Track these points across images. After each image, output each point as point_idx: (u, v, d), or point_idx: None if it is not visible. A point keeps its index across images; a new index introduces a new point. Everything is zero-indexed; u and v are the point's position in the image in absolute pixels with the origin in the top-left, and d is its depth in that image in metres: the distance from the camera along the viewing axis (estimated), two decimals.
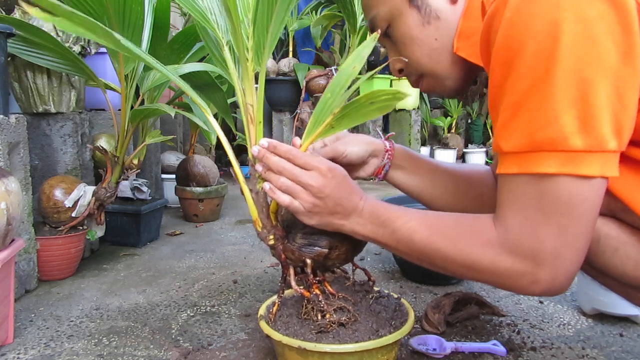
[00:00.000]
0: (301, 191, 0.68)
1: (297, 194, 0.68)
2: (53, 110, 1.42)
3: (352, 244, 0.79)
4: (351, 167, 0.87)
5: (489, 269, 0.60)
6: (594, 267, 0.64)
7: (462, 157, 3.67)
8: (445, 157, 3.33)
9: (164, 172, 2.29)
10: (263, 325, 0.80)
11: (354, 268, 0.89)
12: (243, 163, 2.73)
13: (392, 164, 0.92)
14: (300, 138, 0.76)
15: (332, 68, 2.74)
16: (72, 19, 0.58)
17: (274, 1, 0.68)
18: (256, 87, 0.77)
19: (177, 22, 2.69)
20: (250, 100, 0.77)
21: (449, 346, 0.94)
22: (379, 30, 0.70)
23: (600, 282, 0.68)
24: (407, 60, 0.75)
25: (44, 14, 0.53)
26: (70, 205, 1.34)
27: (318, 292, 0.79)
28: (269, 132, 3.24)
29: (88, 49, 1.48)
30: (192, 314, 1.13)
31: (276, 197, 0.70)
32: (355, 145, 0.86)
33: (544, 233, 0.56)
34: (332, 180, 0.68)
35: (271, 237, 0.79)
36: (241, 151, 3.15)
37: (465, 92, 0.77)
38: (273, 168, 0.69)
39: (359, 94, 0.74)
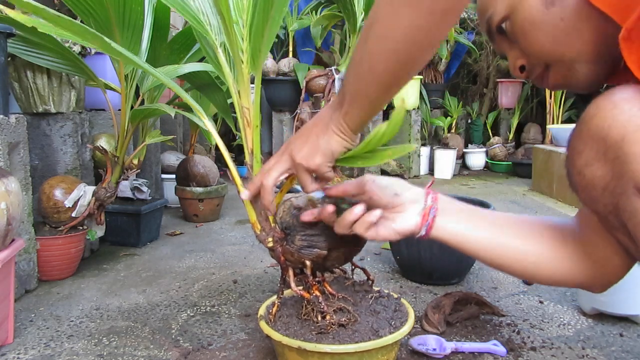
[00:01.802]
0: None
1: None
2: (53, 110, 1.42)
3: (351, 245, 0.79)
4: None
5: None
6: None
7: (462, 157, 3.67)
8: (445, 157, 3.32)
9: (164, 172, 2.29)
10: (263, 325, 0.80)
11: (353, 268, 0.89)
12: (242, 163, 2.73)
13: (441, 210, 0.71)
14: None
15: (332, 68, 2.74)
16: (59, 22, 0.57)
17: (270, 5, 0.67)
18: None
19: (177, 22, 2.69)
20: (246, 103, 0.76)
21: (449, 346, 0.94)
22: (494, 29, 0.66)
23: None
24: (528, 50, 0.66)
25: (23, 16, 0.53)
26: (70, 205, 1.34)
27: (318, 293, 0.79)
28: (269, 133, 3.24)
29: (88, 49, 1.48)
30: (192, 314, 1.13)
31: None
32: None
33: None
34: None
35: (270, 239, 0.79)
36: (241, 151, 3.16)
37: (601, 80, 0.65)
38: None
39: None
